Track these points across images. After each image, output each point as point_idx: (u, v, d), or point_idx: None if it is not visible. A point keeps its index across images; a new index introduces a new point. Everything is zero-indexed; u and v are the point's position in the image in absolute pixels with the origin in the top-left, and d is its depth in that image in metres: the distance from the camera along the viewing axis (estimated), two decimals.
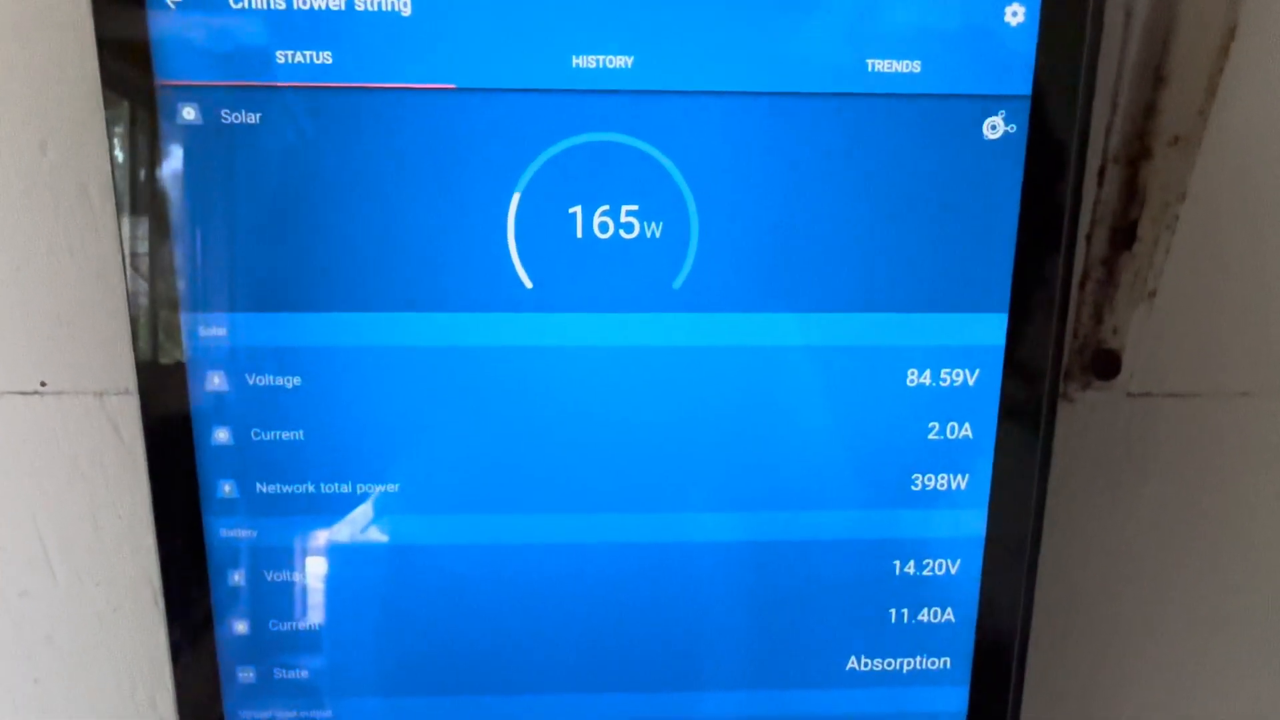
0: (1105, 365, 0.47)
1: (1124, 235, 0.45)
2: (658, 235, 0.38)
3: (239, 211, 0.37)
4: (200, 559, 0.41)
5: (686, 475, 0.41)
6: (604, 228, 0.38)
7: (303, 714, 0.43)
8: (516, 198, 0.38)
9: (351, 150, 0.37)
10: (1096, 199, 0.45)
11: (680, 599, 0.42)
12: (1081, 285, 0.46)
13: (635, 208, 0.38)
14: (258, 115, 0.36)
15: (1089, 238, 0.45)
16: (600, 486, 0.41)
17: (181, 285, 0.38)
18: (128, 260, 0.38)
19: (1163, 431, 0.49)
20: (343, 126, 0.37)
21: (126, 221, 0.38)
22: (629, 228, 0.38)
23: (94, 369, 0.45)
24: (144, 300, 0.38)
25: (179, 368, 0.39)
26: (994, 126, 0.38)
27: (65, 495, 0.47)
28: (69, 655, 0.50)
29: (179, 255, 0.38)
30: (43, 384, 0.45)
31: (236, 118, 0.36)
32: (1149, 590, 0.51)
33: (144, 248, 0.38)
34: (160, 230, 0.37)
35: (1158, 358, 0.48)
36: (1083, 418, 0.48)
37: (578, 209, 0.38)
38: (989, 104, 0.37)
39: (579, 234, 0.38)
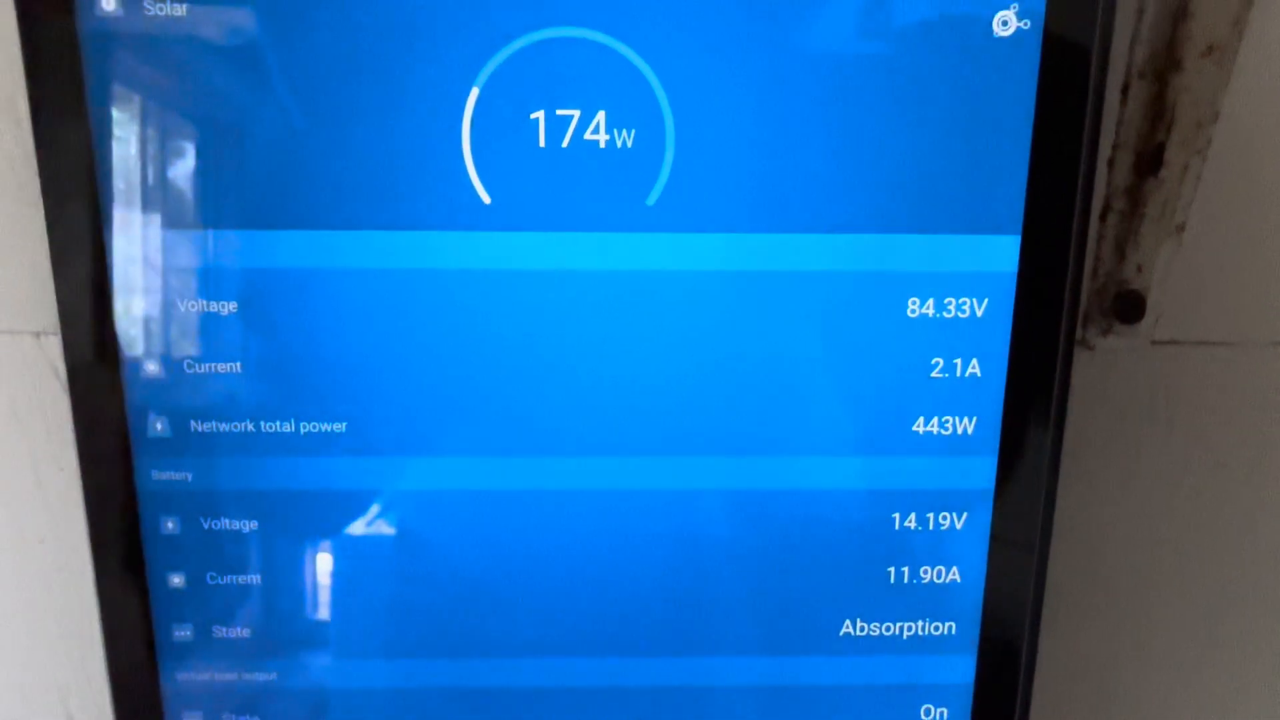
0: (1128, 308, 0.43)
1: (1149, 160, 0.41)
2: (629, 145, 0.35)
3: (165, 118, 0.34)
4: (131, 505, 0.37)
5: (659, 415, 0.37)
6: (570, 136, 0.34)
7: (244, 675, 0.40)
8: (474, 97, 0.34)
9: (291, 46, 0.33)
10: (1119, 119, 0.41)
11: (651, 554, 0.38)
12: (1102, 217, 0.42)
13: (604, 113, 0.34)
14: (184, 6, 0.33)
15: (1110, 163, 0.41)
16: (561, 427, 0.37)
17: (103, 205, 0.35)
18: (43, 177, 0.34)
19: (1191, 383, 0.45)
20: (281, 18, 0.33)
21: (42, 134, 0.34)
22: (597, 136, 0.34)
23: (30, 306, 0.42)
24: (64, 223, 0.35)
25: (103, 296, 0.35)
26: (1005, 22, 0.34)
27: (2, 445, 0.44)
28: (12, 617, 0.46)
29: (100, 171, 0.34)
30: None
31: (162, 10, 0.33)
32: (1173, 555, 0.47)
33: (63, 164, 0.34)
34: (78, 143, 0.34)
35: (1186, 301, 0.44)
36: (1102, 367, 0.44)
37: (540, 114, 0.34)
38: None
39: (542, 142, 0.34)
